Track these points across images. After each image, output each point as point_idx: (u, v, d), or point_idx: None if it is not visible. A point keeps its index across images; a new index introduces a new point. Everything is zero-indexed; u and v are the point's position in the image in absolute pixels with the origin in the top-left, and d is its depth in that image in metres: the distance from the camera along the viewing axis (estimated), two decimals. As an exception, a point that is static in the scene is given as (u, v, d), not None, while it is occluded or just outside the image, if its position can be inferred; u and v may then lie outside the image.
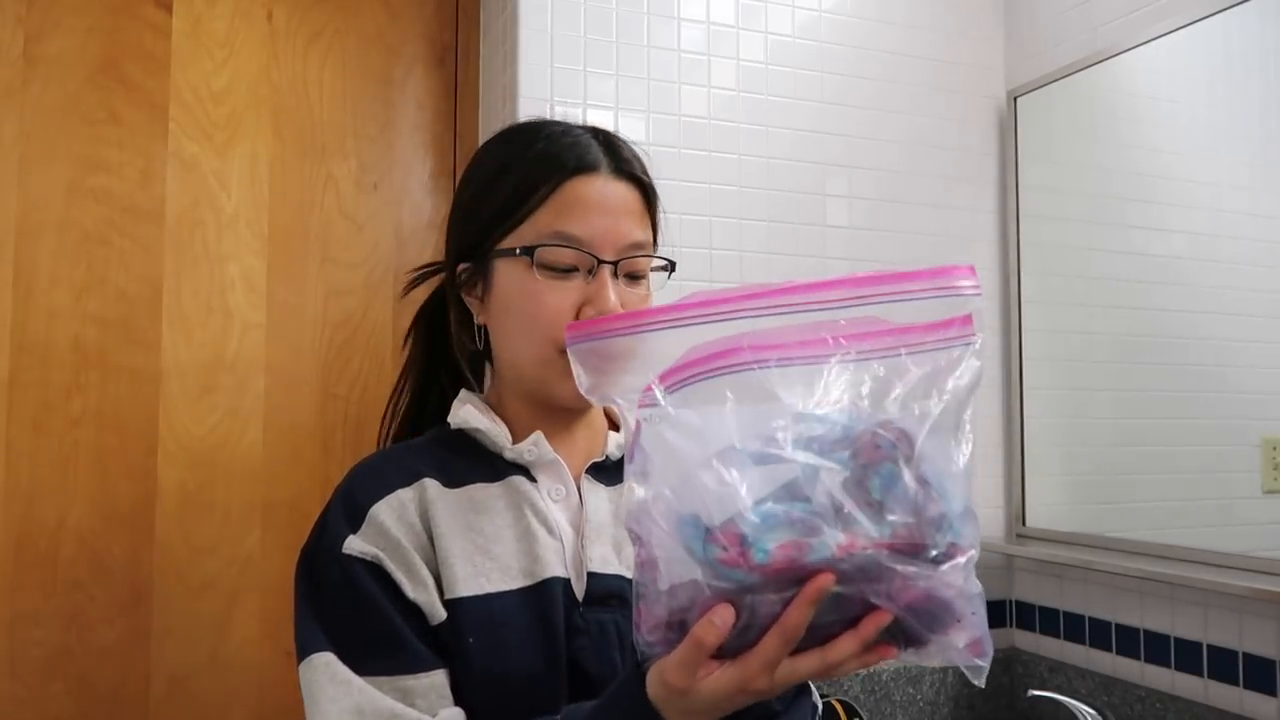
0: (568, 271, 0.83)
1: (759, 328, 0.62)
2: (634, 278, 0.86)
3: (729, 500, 0.55)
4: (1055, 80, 1.68)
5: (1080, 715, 1.42)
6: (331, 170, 1.60)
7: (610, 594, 0.82)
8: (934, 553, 0.57)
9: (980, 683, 0.60)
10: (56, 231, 1.43)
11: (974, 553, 0.59)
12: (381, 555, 0.78)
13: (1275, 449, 1.35)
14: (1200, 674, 1.40)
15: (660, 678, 0.62)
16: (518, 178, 0.85)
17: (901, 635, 0.61)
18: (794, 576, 0.56)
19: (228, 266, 1.52)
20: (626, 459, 0.61)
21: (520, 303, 0.84)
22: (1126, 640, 1.52)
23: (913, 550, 0.57)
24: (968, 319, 0.61)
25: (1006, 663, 1.72)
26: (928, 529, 0.57)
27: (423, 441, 0.90)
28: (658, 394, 0.60)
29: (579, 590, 0.82)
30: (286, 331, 1.55)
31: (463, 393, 0.92)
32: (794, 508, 0.56)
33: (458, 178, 1.26)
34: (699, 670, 0.59)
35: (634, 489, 0.59)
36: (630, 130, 1.54)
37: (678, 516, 0.57)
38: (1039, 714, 1.63)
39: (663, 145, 1.56)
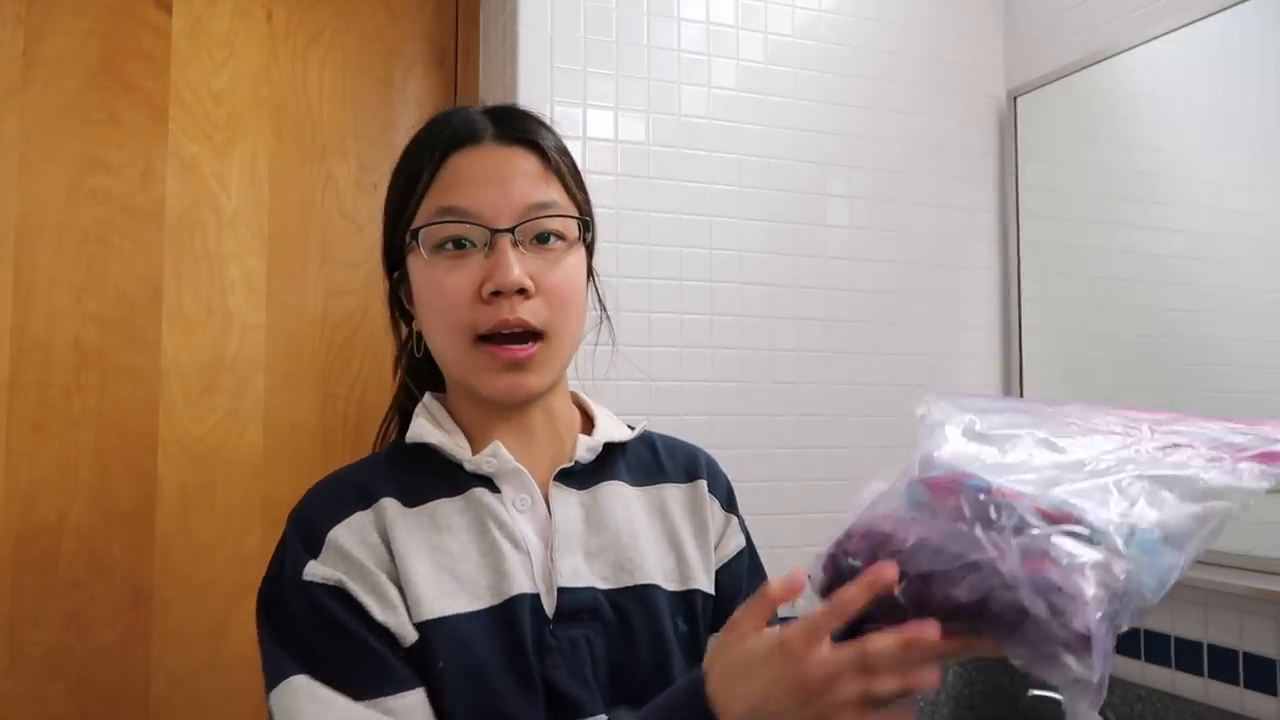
0: (462, 250, 0.77)
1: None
2: (541, 240, 0.78)
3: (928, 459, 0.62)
4: (1055, 80, 1.68)
5: (1080, 715, 1.42)
6: (331, 170, 1.60)
7: (582, 608, 0.77)
8: (1079, 534, 0.55)
9: None
10: (56, 232, 1.43)
11: (1126, 586, 0.55)
12: (344, 579, 0.73)
13: (1275, 449, 1.34)
14: (1200, 673, 1.40)
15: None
16: (405, 169, 0.82)
17: (994, 623, 0.58)
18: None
19: (228, 267, 1.52)
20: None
21: (426, 295, 0.79)
22: (1127, 640, 1.52)
23: (1060, 519, 0.56)
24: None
25: (1006, 663, 1.72)
26: (1094, 517, 0.56)
27: (380, 458, 0.84)
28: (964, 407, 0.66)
29: (549, 606, 0.77)
30: (286, 331, 1.55)
31: (423, 401, 0.86)
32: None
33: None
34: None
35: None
36: (630, 130, 1.54)
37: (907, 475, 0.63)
38: (1039, 714, 1.63)
39: (663, 145, 1.56)
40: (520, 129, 0.81)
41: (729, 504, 0.91)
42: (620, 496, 0.84)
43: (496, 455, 0.80)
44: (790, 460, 1.59)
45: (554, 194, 0.80)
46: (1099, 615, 0.54)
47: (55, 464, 1.41)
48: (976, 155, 1.80)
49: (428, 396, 0.86)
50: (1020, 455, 0.61)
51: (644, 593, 0.80)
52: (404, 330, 0.88)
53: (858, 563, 0.61)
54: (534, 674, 0.74)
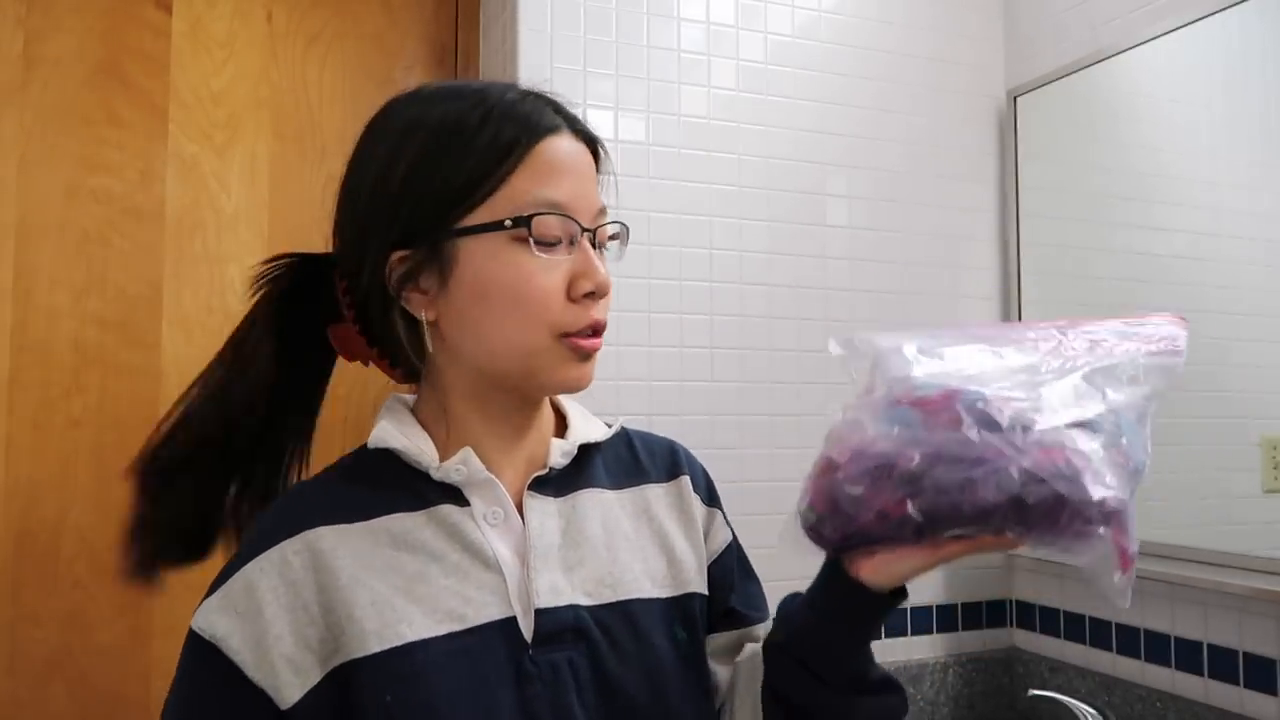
0: (553, 244, 0.71)
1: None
2: (601, 247, 0.76)
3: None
4: (1055, 80, 1.68)
5: (1080, 715, 1.42)
6: (331, 170, 1.59)
7: (563, 629, 0.71)
8: (1080, 425, 0.61)
9: (1124, 603, 0.62)
10: (57, 232, 1.43)
11: (1133, 465, 0.62)
12: (220, 638, 0.67)
13: (1275, 449, 1.34)
14: (1200, 673, 1.40)
15: None
16: (485, 140, 0.71)
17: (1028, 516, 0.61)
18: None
19: (228, 267, 1.52)
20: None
21: (506, 285, 0.70)
22: (1127, 640, 1.52)
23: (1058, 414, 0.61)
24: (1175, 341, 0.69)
25: (1007, 663, 1.72)
26: (1082, 413, 0.62)
27: (333, 473, 0.77)
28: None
29: (527, 629, 0.70)
30: (286, 332, 1.55)
31: (388, 401, 0.79)
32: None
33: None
34: None
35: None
36: (630, 130, 1.54)
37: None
38: (1039, 714, 1.63)
39: (663, 145, 1.56)
40: (581, 123, 0.77)
41: (710, 498, 0.87)
42: (599, 503, 0.79)
43: (466, 463, 0.73)
44: (791, 460, 1.59)
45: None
46: (1128, 493, 0.60)
47: (55, 463, 1.41)
48: (976, 155, 1.80)
49: (393, 398, 0.80)
50: (981, 366, 0.65)
51: (630, 608, 0.75)
52: (388, 321, 0.75)
53: (858, 490, 0.63)
54: (505, 705, 0.68)
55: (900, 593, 0.70)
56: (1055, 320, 0.71)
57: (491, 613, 0.70)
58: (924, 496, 0.61)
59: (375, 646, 0.67)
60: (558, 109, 0.76)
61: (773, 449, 1.60)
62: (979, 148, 1.80)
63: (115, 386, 1.45)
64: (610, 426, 0.84)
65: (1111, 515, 0.59)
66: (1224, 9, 1.37)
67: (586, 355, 0.73)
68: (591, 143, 0.77)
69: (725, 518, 0.88)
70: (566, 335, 0.72)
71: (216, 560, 0.81)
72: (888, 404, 0.64)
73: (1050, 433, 0.60)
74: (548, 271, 0.71)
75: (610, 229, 0.77)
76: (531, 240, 0.70)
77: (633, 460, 0.84)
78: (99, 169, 1.46)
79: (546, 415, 0.81)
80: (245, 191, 1.54)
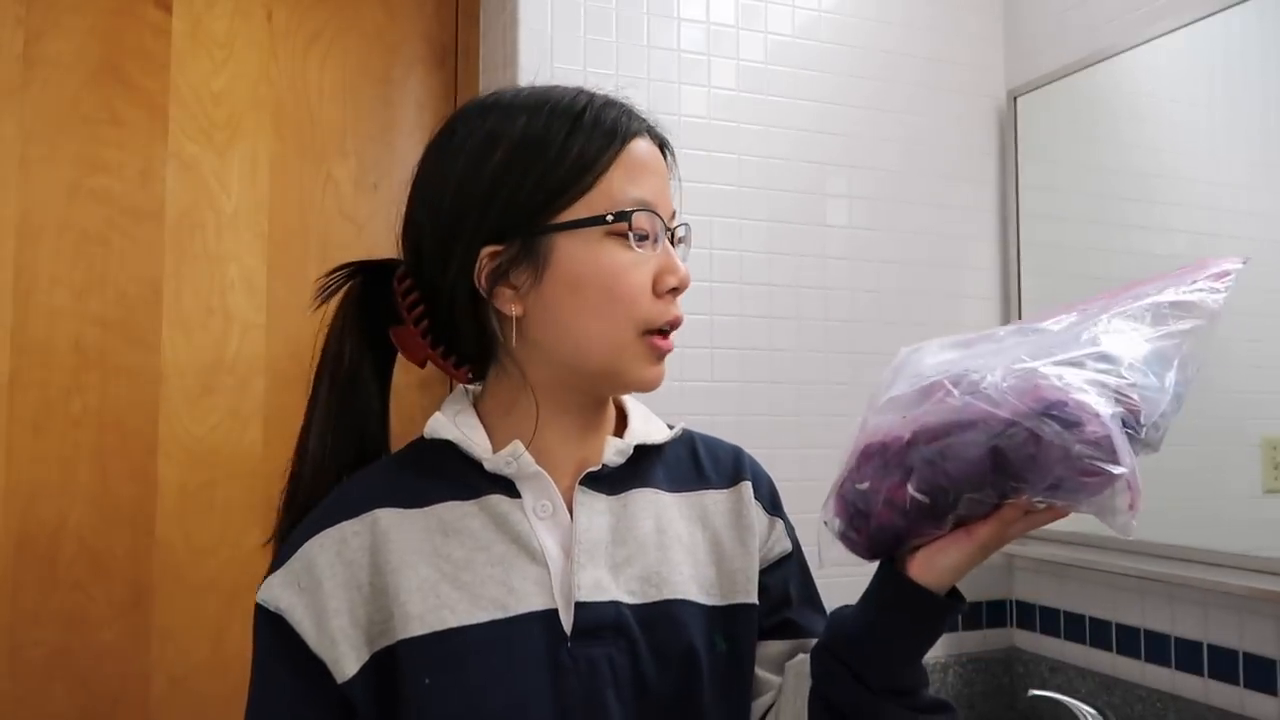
0: (644, 240, 0.74)
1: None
2: (676, 246, 0.79)
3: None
4: (1055, 80, 1.68)
5: (1081, 715, 1.42)
6: (331, 170, 1.60)
7: (603, 625, 0.72)
8: (1079, 365, 0.58)
9: (1129, 534, 0.58)
10: (57, 232, 1.43)
11: (1140, 404, 0.57)
12: (285, 610, 0.70)
13: (1275, 449, 1.34)
14: (1200, 674, 1.40)
15: None
16: (581, 141, 0.74)
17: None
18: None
19: (228, 267, 1.52)
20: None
21: (599, 280, 0.73)
22: (1127, 640, 1.52)
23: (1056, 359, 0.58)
24: (1222, 274, 0.65)
25: (1007, 663, 1.72)
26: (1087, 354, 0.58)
27: (390, 461, 0.81)
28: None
29: (567, 622, 0.71)
30: (286, 331, 1.55)
31: (452, 394, 0.82)
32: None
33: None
34: None
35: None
36: (630, 130, 1.54)
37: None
38: (1039, 714, 1.63)
39: (663, 145, 1.56)
40: (657, 128, 0.81)
41: (773, 507, 0.86)
42: (654, 504, 0.79)
43: (516, 456, 0.75)
44: (791, 460, 1.59)
45: None
46: (1109, 414, 0.55)
47: (55, 464, 1.41)
48: (976, 155, 1.80)
49: (459, 389, 0.82)
50: (1002, 345, 0.63)
51: (674, 609, 0.75)
52: (480, 315, 0.78)
53: (864, 485, 0.63)
54: (542, 696, 0.70)
55: (957, 596, 0.69)
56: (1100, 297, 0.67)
57: (533, 603, 0.72)
58: (917, 473, 0.60)
59: (418, 630, 0.69)
60: (636, 113, 0.80)
61: (773, 449, 1.59)
62: (979, 148, 1.80)
63: (115, 387, 1.45)
64: (672, 429, 0.85)
65: (1099, 445, 0.55)
66: (1224, 9, 1.37)
67: (662, 355, 0.76)
68: (664, 146, 0.80)
69: (789, 528, 0.87)
70: (648, 333, 0.74)
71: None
72: (889, 397, 0.64)
73: (1026, 374, 0.57)
74: (639, 266, 0.73)
75: (680, 230, 0.80)
76: (631, 234, 0.73)
77: (694, 465, 0.85)
78: (99, 169, 1.46)
79: (609, 414, 0.83)
80: (245, 191, 1.54)
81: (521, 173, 0.74)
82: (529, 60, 1.49)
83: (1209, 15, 1.40)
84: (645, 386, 0.76)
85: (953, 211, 1.77)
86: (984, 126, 1.81)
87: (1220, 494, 1.42)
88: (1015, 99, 1.77)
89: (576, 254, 0.73)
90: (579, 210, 0.73)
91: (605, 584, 0.74)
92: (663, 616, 0.75)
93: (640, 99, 1.65)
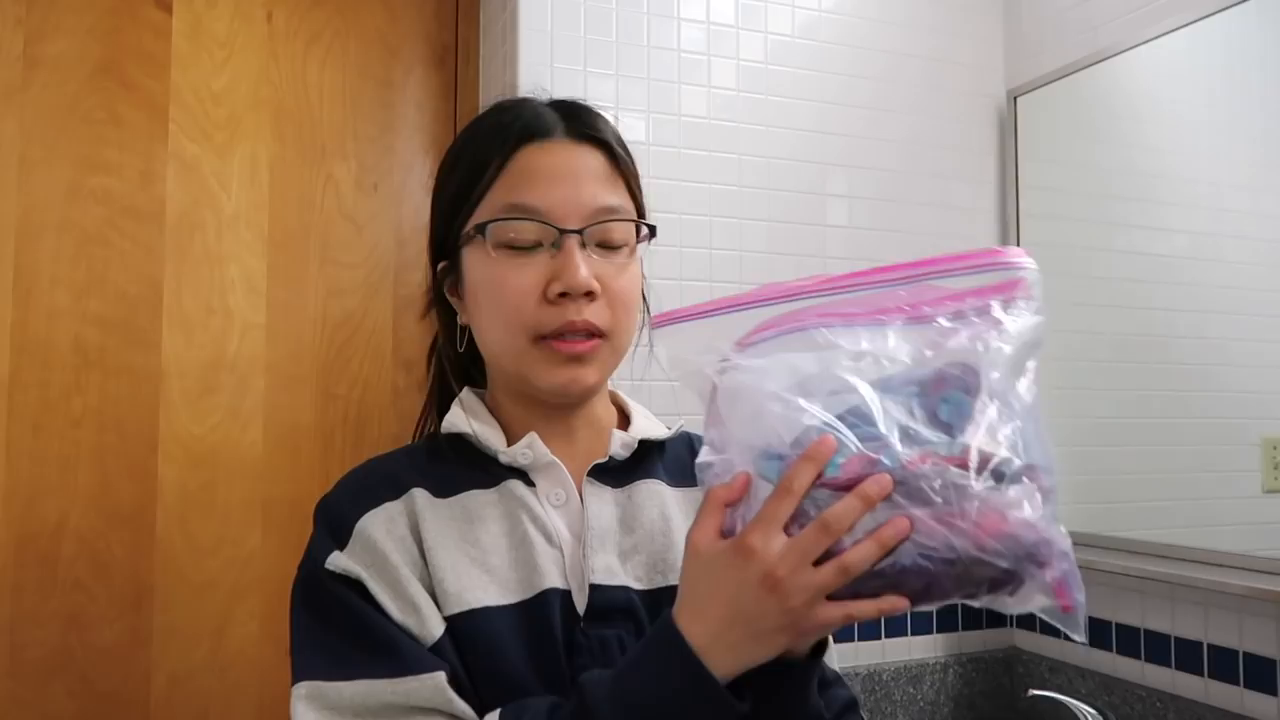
0: (530, 248, 0.75)
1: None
2: (608, 247, 0.77)
3: (795, 421, 0.58)
4: (1055, 80, 1.68)
5: (1081, 715, 1.42)
6: (331, 171, 1.60)
7: (614, 608, 0.75)
8: (1006, 471, 0.56)
9: (1080, 637, 0.58)
10: (57, 232, 1.43)
11: (1050, 486, 0.58)
12: (365, 575, 0.72)
13: (1275, 449, 1.35)
14: (1200, 673, 1.40)
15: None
16: (469, 158, 0.79)
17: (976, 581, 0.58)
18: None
19: (228, 267, 1.52)
20: (705, 422, 0.62)
21: (486, 289, 0.77)
22: (1127, 640, 1.52)
23: (983, 464, 0.56)
24: (1022, 283, 0.64)
25: (1007, 663, 1.72)
26: (999, 448, 0.56)
27: (413, 449, 0.84)
28: (730, 354, 0.63)
29: (580, 603, 0.75)
30: (286, 331, 1.55)
31: (460, 395, 0.85)
32: (861, 428, 0.57)
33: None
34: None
35: (709, 436, 0.62)
36: (630, 130, 1.54)
37: (752, 451, 0.60)
38: (1039, 714, 1.63)
39: (663, 145, 1.56)
40: (591, 126, 0.79)
41: None
42: (657, 495, 0.82)
43: (532, 447, 0.79)
44: (790, 460, 1.59)
45: (621, 197, 0.79)
46: (1067, 544, 0.57)
47: (55, 464, 1.41)
48: (976, 155, 1.80)
49: (466, 391, 0.85)
50: (858, 380, 0.59)
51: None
52: (443, 322, 0.87)
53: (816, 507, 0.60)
54: (561, 672, 0.72)
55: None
56: (892, 267, 0.65)
57: (550, 585, 0.74)
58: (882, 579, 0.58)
59: (455, 608, 0.72)
60: (568, 114, 0.79)
61: (773, 449, 1.60)
62: (979, 148, 1.80)
63: (115, 387, 1.45)
64: (670, 429, 0.88)
65: (1057, 575, 0.56)
66: (1224, 9, 1.37)
67: (573, 357, 0.76)
68: (603, 146, 0.79)
69: None
70: (544, 338, 0.75)
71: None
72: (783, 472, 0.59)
73: (988, 501, 0.55)
74: (519, 274, 0.75)
75: (617, 230, 0.78)
76: (489, 245, 0.75)
77: (692, 462, 0.86)
78: (99, 169, 1.46)
79: (603, 412, 0.86)
80: (245, 191, 1.54)
81: (440, 190, 0.82)
82: (529, 60, 1.49)
83: (1209, 15, 1.40)
84: (561, 391, 0.77)
85: (953, 211, 1.77)
86: (984, 126, 1.81)
87: (1220, 494, 1.42)
88: (1015, 99, 1.77)
89: (474, 265, 0.78)
90: (470, 222, 0.78)
91: (615, 569, 0.77)
92: (668, 602, 0.75)
93: (640, 99, 1.65)
